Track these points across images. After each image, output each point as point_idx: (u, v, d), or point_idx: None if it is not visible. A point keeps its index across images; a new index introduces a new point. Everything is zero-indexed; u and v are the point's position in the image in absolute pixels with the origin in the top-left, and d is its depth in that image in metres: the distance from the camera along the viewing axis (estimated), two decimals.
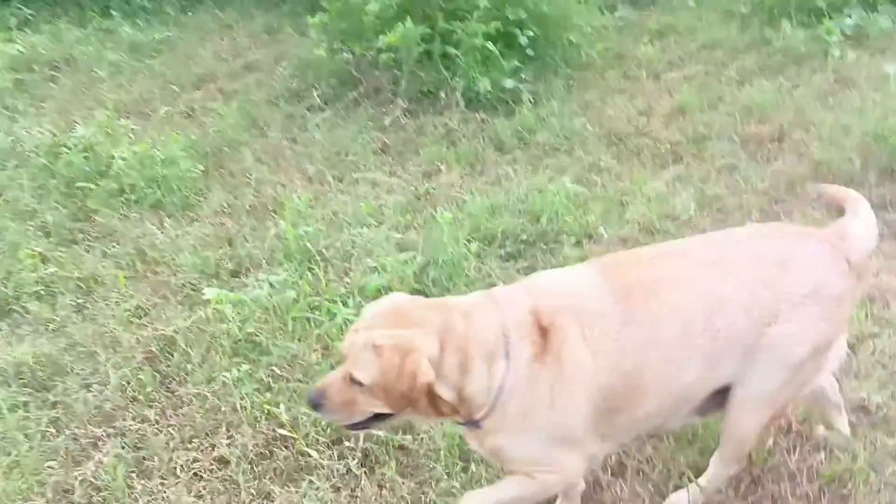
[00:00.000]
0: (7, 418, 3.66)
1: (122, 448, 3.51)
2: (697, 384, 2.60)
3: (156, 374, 3.90)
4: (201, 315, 4.24)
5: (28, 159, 5.89)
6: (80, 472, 3.44)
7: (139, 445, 3.53)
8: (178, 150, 5.60)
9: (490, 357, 2.47)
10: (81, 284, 4.65)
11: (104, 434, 3.62)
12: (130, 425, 3.63)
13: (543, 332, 2.51)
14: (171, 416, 3.69)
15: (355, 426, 2.67)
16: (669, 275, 2.61)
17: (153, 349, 4.06)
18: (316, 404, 2.60)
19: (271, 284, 4.30)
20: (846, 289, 2.61)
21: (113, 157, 5.60)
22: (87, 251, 4.97)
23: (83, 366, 4.02)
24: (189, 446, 3.52)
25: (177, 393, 3.80)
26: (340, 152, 6.01)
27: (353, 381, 2.49)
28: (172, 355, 4.00)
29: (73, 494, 3.34)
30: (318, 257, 4.62)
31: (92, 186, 5.41)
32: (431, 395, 2.46)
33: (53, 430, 3.65)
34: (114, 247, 4.96)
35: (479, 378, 2.47)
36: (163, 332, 4.17)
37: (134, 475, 3.40)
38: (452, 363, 2.45)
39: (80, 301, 4.51)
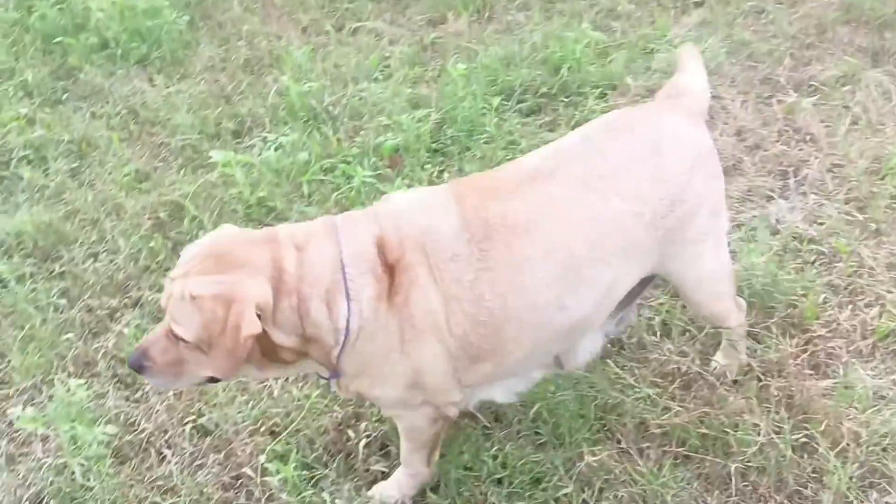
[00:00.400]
0: (15, 290, 3.49)
1: (142, 319, 3.37)
2: (595, 312, 2.41)
3: (166, 240, 3.72)
4: (209, 179, 4.01)
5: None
6: (99, 344, 3.33)
7: (158, 315, 3.39)
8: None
9: (328, 296, 2.17)
10: (73, 147, 4.38)
11: (120, 304, 3.48)
12: (147, 295, 3.48)
13: (389, 268, 2.21)
14: None
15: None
16: (542, 205, 2.29)
17: (161, 215, 3.86)
18: (139, 367, 2.23)
19: (280, 146, 4.05)
20: (709, 138, 2.54)
21: (90, 9, 5.17)
22: (75, 111, 4.65)
23: (88, 234, 3.83)
24: None
25: None
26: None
27: (177, 338, 2.15)
28: (182, 221, 3.80)
29: (96, 367, 3.23)
30: (324, 115, 4.36)
31: (71, 41, 5.01)
32: (269, 345, 2.18)
33: (65, 302, 3.50)
34: (103, 106, 4.66)
35: (318, 318, 2.17)
36: (168, 197, 3.96)
37: None
38: (287, 307, 2.15)
39: (73, 166, 4.27)
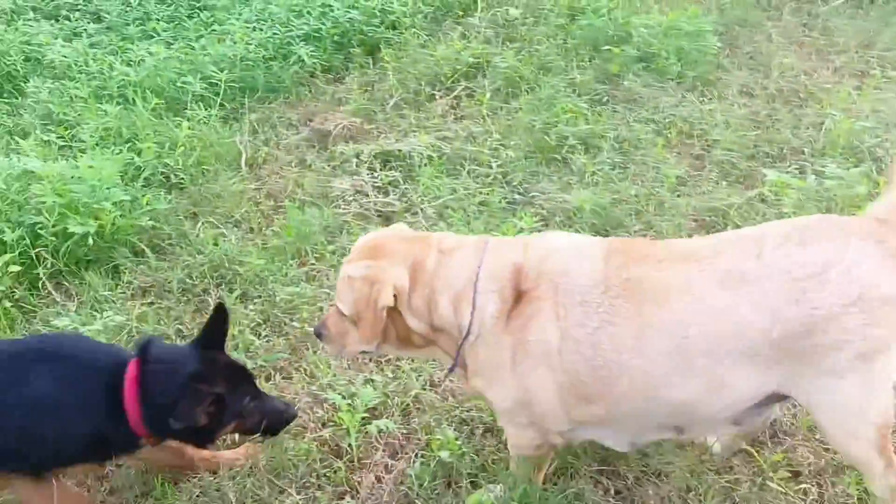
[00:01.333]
0: None
1: None
2: (701, 401, 2.43)
3: None
4: (750, 195, 4.25)
5: (547, 17, 6.19)
6: None
7: None
8: (703, 24, 5.53)
9: (456, 299, 2.54)
10: (616, 144, 4.87)
11: None
12: None
13: (518, 294, 2.49)
14: None
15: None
16: (676, 283, 2.37)
17: (706, 218, 4.17)
18: (318, 334, 2.82)
19: (826, 176, 4.16)
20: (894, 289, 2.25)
21: (630, 24, 5.70)
22: (613, 113, 5.18)
23: (631, 221, 4.22)
24: None
25: None
26: (867, 43, 5.56)
27: (340, 313, 2.65)
28: (727, 226, 4.07)
29: None
30: (866, 154, 4.39)
31: (615, 51, 5.56)
32: (404, 328, 2.62)
33: None
34: (642, 113, 5.11)
35: (444, 314, 2.56)
36: (709, 204, 4.25)
37: None
38: (420, 296, 2.56)
39: (618, 160, 4.74)
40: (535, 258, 2.56)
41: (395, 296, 2.55)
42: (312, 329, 2.94)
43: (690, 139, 4.85)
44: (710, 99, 5.19)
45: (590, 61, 5.62)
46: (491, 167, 4.72)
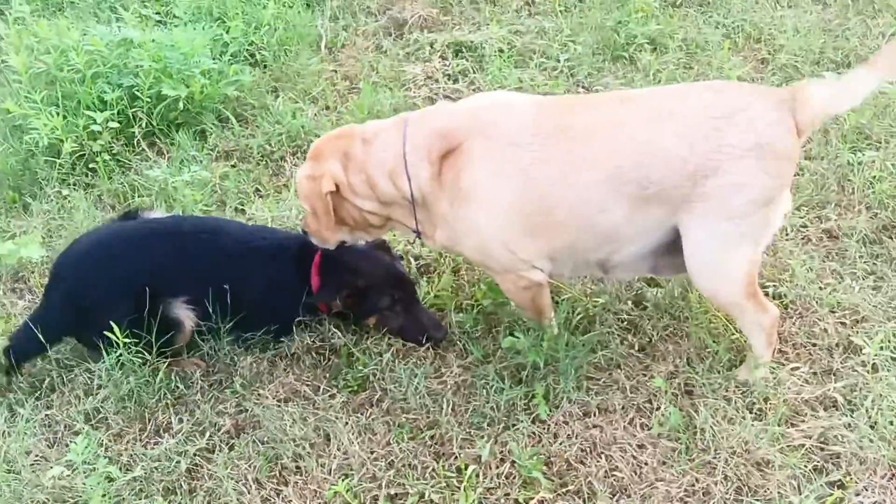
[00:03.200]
0: None
1: None
2: (626, 227, 2.73)
3: None
4: None
5: None
6: None
7: None
8: None
9: (392, 174, 2.88)
10: (683, 45, 4.96)
11: None
12: None
13: (447, 154, 2.79)
14: None
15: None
16: (604, 121, 2.70)
17: None
18: (303, 231, 3.21)
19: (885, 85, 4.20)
20: (789, 146, 2.59)
21: None
22: (685, 16, 5.24)
23: None
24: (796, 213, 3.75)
25: None
26: None
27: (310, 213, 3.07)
28: None
29: None
30: None
31: None
32: (357, 211, 3.02)
33: None
34: (714, 15, 5.17)
35: (386, 190, 2.91)
36: None
37: None
38: (358, 181, 2.94)
39: (683, 60, 4.85)
40: (461, 118, 2.87)
41: (336, 185, 2.96)
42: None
43: (758, 43, 4.91)
44: (783, 6, 5.20)
45: None
46: (559, 61, 4.89)
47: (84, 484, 2.78)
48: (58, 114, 4.31)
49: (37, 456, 2.96)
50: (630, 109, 2.71)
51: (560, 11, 5.33)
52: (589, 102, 2.95)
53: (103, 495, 2.75)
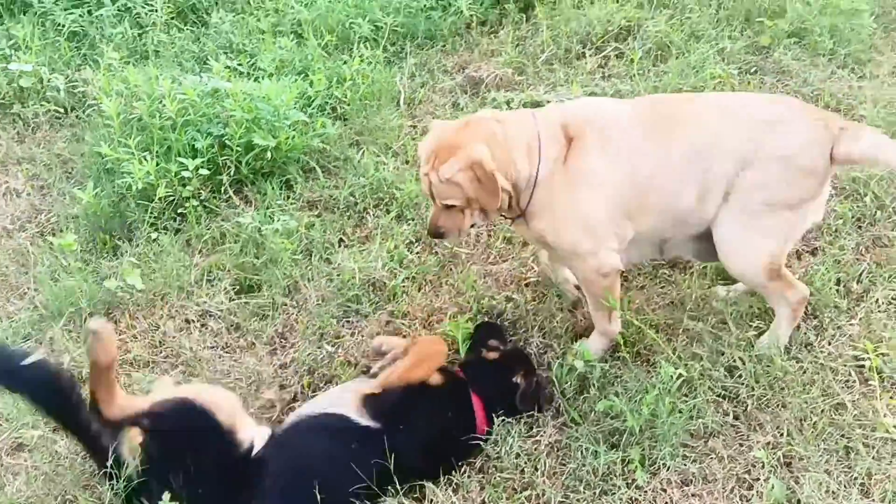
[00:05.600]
0: None
1: None
2: (691, 211, 3.14)
3: None
4: None
5: None
6: None
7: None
8: (860, 3, 5.54)
9: (528, 149, 3.10)
10: None
11: None
12: None
13: (569, 140, 3.10)
14: None
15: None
16: (691, 116, 3.13)
17: (845, 187, 4.29)
18: (438, 234, 3.27)
19: None
20: (816, 166, 3.02)
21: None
22: (762, 83, 5.29)
23: None
24: None
25: None
26: None
27: (450, 207, 3.15)
28: (866, 196, 4.19)
29: None
30: None
31: (768, 23, 5.64)
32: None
33: None
34: (792, 84, 5.20)
35: (521, 167, 3.11)
36: (853, 174, 4.35)
37: None
38: (501, 159, 3.06)
39: None
40: (576, 115, 3.20)
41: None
42: (429, 232, 3.36)
43: (836, 113, 4.93)
44: (861, 77, 5.24)
45: (741, 32, 5.71)
46: None
47: None
48: (150, 159, 4.43)
49: None
50: (704, 107, 3.20)
51: (635, 75, 5.41)
52: (671, 100, 3.53)
53: None
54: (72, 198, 4.60)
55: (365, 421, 3.00)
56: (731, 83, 5.18)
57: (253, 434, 2.96)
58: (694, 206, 3.13)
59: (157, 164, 4.43)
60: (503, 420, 3.19)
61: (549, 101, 5.07)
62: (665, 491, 2.92)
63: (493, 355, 3.37)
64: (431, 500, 2.92)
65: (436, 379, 3.16)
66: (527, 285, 3.89)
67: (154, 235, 4.33)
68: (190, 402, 2.90)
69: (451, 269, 4.03)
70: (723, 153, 3.05)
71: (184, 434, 2.86)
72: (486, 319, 3.60)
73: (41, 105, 5.27)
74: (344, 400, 3.11)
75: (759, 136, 3.02)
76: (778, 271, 3.19)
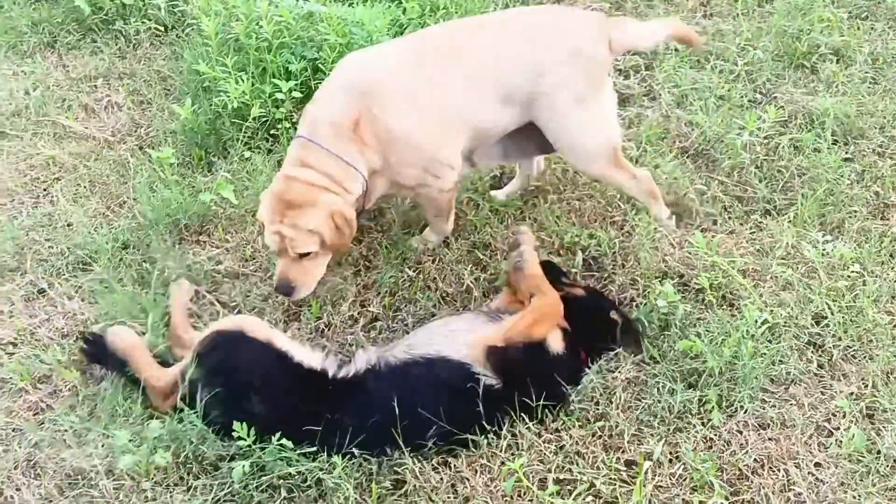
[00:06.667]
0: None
1: None
2: (497, 120, 3.40)
3: None
4: None
5: None
6: None
7: None
8: None
9: (344, 170, 3.24)
10: (870, 59, 4.77)
11: None
12: None
13: (356, 124, 3.21)
14: None
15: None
16: (468, 41, 3.36)
17: None
18: (286, 291, 3.31)
19: None
20: (600, 54, 3.39)
21: None
22: (872, 28, 5.03)
23: (879, 133, 4.22)
24: None
25: None
26: None
27: (302, 256, 3.23)
28: None
29: None
30: None
31: None
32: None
33: None
34: None
35: (354, 187, 3.29)
36: None
37: None
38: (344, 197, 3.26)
39: (869, 74, 4.66)
40: (342, 110, 3.24)
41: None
42: (276, 288, 3.38)
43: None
44: None
45: None
46: (736, 64, 4.78)
47: None
48: (246, 79, 4.51)
49: None
50: (486, 30, 3.43)
51: (739, 14, 5.20)
52: (452, 28, 3.69)
53: None
54: (170, 113, 4.73)
55: (489, 378, 2.93)
56: (840, 27, 4.94)
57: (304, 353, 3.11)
58: (496, 116, 3.37)
59: (252, 85, 4.51)
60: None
61: None
62: (741, 433, 2.90)
63: (578, 291, 3.33)
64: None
65: (556, 340, 3.07)
66: (612, 223, 3.85)
67: (247, 154, 4.43)
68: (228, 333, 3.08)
69: (534, 204, 4.02)
70: (515, 65, 3.30)
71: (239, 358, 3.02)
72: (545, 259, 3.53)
73: (142, 22, 5.40)
74: (461, 343, 3.03)
75: (546, 43, 3.30)
76: (618, 159, 3.50)
